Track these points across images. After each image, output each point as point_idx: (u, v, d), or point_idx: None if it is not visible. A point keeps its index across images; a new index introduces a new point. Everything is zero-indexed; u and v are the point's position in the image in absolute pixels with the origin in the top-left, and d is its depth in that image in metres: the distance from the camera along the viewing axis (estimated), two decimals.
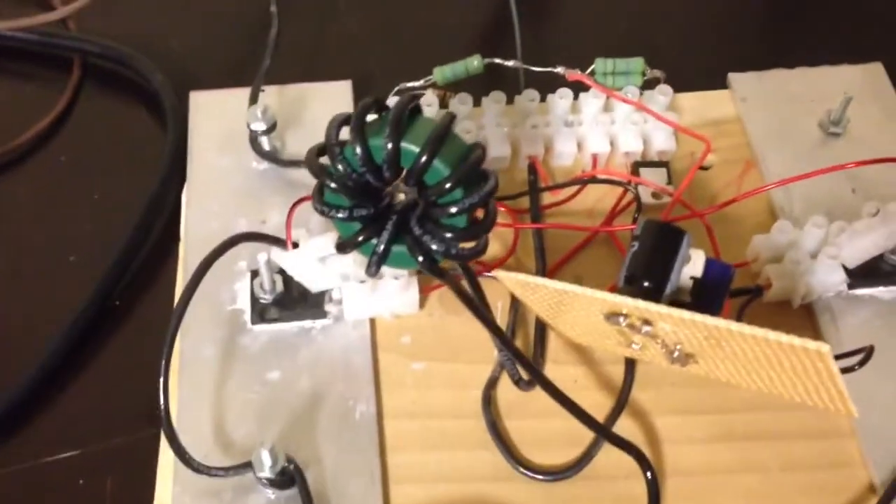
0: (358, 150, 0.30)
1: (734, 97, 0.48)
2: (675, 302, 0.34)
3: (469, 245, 0.32)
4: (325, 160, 0.32)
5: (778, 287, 0.40)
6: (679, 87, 0.47)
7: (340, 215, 0.31)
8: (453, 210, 0.30)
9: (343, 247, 0.33)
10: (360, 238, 0.32)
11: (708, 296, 0.34)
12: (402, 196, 0.32)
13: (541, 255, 0.42)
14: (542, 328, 0.41)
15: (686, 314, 0.31)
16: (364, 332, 0.41)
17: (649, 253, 0.33)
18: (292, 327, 0.40)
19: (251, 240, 0.38)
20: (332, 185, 0.31)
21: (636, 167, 0.45)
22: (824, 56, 0.49)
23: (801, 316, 0.41)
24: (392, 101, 0.44)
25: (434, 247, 0.31)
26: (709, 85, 0.49)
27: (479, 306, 0.33)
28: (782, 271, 0.40)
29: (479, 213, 0.32)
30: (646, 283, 0.33)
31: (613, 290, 0.36)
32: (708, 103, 0.48)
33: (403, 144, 0.30)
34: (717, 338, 0.32)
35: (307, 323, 0.40)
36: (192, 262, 0.42)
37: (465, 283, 0.35)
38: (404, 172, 0.31)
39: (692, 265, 0.34)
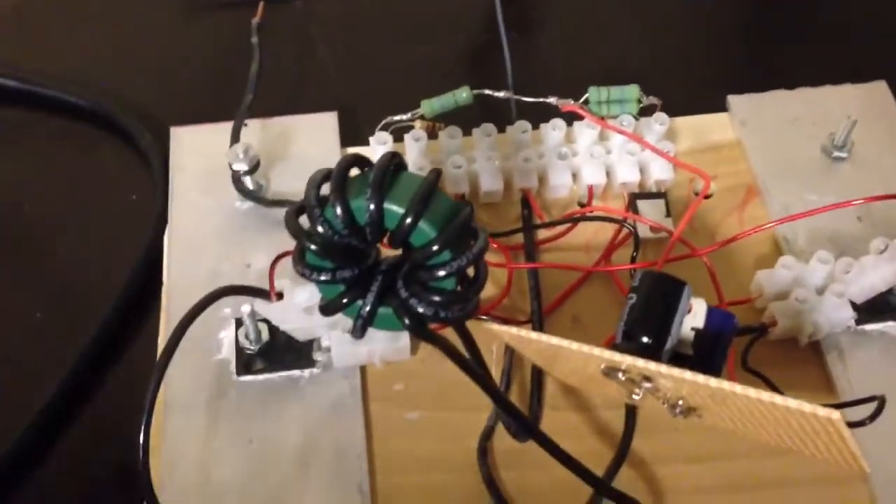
0: (339, 211, 0.29)
1: (733, 120, 0.47)
2: (676, 355, 0.33)
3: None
4: (304, 220, 0.30)
5: (783, 325, 0.39)
6: (675, 109, 0.45)
7: (323, 278, 0.30)
8: (441, 273, 0.29)
9: (327, 309, 0.31)
10: (345, 300, 0.30)
11: (710, 347, 0.33)
12: (387, 255, 0.30)
13: (536, 294, 0.41)
14: (538, 372, 0.39)
15: (688, 374, 0.30)
16: (354, 380, 0.39)
17: (648, 307, 0.32)
18: (280, 378, 0.39)
19: (233, 293, 0.37)
20: (313, 247, 0.29)
21: (633, 199, 0.43)
22: (825, 75, 0.47)
23: (808, 353, 0.40)
24: (375, 148, 0.43)
25: (421, 310, 0.29)
26: (706, 107, 0.47)
27: (473, 367, 0.31)
28: (788, 309, 0.39)
29: (469, 271, 0.30)
30: (645, 339, 0.32)
31: (611, 342, 0.34)
32: (706, 127, 0.47)
33: (387, 205, 0.28)
34: (722, 397, 0.30)
35: (295, 373, 0.39)
36: (174, 311, 0.41)
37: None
38: (388, 233, 0.29)
39: (693, 316, 0.33)
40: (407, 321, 0.30)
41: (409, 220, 0.28)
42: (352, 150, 0.46)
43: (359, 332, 0.31)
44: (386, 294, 0.30)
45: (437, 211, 0.29)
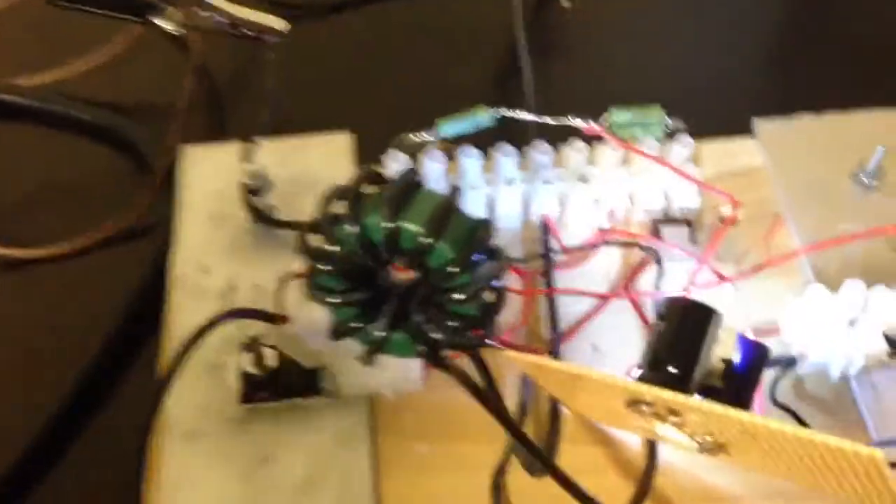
0: (352, 229, 0.27)
1: (760, 145, 0.45)
2: (704, 387, 0.31)
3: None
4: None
5: (814, 358, 0.37)
6: (701, 133, 0.43)
7: (333, 300, 0.28)
8: (459, 296, 0.27)
9: (336, 332, 0.30)
10: (356, 324, 0.29)
11: (741, 379, 0.31)
12: (401, 276, 0.29)
13: (554, 322, 0.39)
14: (556, 404, 0.37)
15: (718, 408, 0.28)
16: (362, 410, 0.37)
17: (676, 335, 0.30)
18: (286, 406, 0.37)
19: (239, 316, 0.35)
20: (325, 266, 0.28)
21: (657, 225, 0.41)
22: (854, 98, 0.46)
23: (840, 388, 0.38)
24: (390, 167, 0.41)
25: (437, 336, 0.28)
26: (733, 131, 0.46)
27: (488, 396, 0.30)
28: (818, 341, 0.37)
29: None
30: (672, 369, 0.30)
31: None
32: (732, 152, 0.45)
33: (402, 223, 0.27)
34: (753, 433, 0.29)
35: (302, 401, 0.37)
36: (176, 332, 0.39)
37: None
38: (405, 253, 0.28)
39: (723, 345, 0.31)
40: (419, 347, 0.28)
41: (425, 241, 0.27)
42: None
43: (369, 357, 0.29)
44: (400, 319, 0.28)
45: (455, 230, 0.27)
